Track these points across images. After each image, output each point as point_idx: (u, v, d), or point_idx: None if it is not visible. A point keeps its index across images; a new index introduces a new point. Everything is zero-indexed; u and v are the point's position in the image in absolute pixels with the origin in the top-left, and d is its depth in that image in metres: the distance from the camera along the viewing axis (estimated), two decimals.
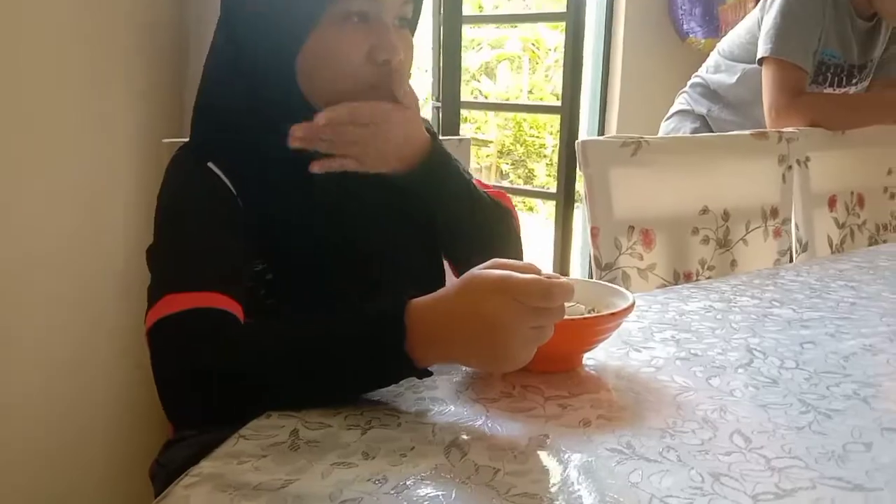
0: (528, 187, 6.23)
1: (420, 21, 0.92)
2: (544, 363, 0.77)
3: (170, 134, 1.38)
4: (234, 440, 0.63)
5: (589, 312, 0.81)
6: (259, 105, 0.84)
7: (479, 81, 7.71)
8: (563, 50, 2.64)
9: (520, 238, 1.01)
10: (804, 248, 1.64)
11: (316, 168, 0.82)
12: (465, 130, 7.64)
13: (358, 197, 0.89)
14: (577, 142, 1.33)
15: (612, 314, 0.75)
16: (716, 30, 2.61)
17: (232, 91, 0.86)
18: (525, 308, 0.63)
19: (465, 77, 7.45)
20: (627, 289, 1.35)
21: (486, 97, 7.48)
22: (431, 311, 0.67)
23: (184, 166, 0.86)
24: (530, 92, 7.33)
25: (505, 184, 7.46)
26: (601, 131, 2.93)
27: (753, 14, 1.86)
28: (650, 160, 1.37)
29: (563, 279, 0.66)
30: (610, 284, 0.84)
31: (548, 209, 5.72)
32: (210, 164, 0.83)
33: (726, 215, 1.47)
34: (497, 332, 0.64)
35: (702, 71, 2.00)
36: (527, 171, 7.45)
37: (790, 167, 1.53)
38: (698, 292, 1.10)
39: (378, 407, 0.69)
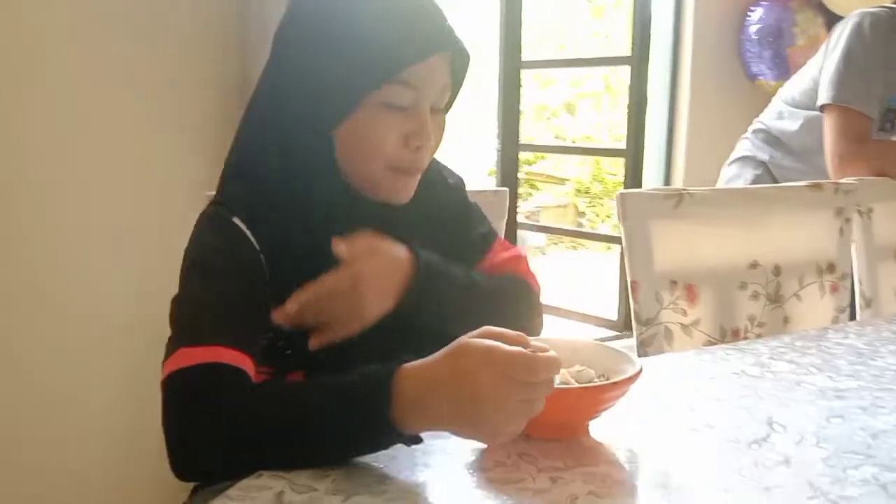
0: (588, 230, 6.19)
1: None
2: (545, 430, 0.76)
3: None
4: (221, 501, 0.64)
5: (599, 378, 0.79)
6: (290, 170, 0.86)
7: (559, 118, 7.72)
8: None
9: (534, 308, 1.00)
10: (868, 303, 1.56)
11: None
12: (544, 167, 7.64)
13: None
14: (617, 193, 1.31)
15: (614, 384, 0.73)
16: (785, 72, 2.53)
17: (265, 151, 0.88)
18: (511, 381, 0.63)
19: (545, 114, 7.49)
20: (670, 345, 1.32)
21: (563, 137, 7.47)
22: (418, 377, 0.67)
23: (212, 222, 0.88)
24: (611, 130, 7.28)
25: (584, 221, 7.41)
26: (667, 174, 2.87)
27: (816, 60, 1.80)
28: (694, 212, 1.33)
29: (551, 353, 0.65)
30: (620, 349, 0.82)
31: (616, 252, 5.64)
32: (236, 220, 0.85)
33: (777, 270, 1.41)
34: (482, 403, 0.63)
35: (763, 117, 1.94)
36: (605, 209, 7.37)
37: (848, 220, 1.46)
38: (735, 354, 1.06)
39: (368, 472, 0.69)
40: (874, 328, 1.20)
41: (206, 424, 0.71)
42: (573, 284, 5.10)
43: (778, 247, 1.41)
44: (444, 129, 0.91)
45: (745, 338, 1.37)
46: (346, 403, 0.68)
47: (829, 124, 1.69)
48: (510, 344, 0.65)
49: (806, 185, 1.45)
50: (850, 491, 0.66)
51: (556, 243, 7.04)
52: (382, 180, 0.87)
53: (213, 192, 1.16)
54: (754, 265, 1.39)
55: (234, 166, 0.91)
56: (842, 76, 1.65)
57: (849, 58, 1.65)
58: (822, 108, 1.71)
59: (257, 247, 0.84)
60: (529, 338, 0.71)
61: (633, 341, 1.32)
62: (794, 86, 1.88)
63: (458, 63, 0.89)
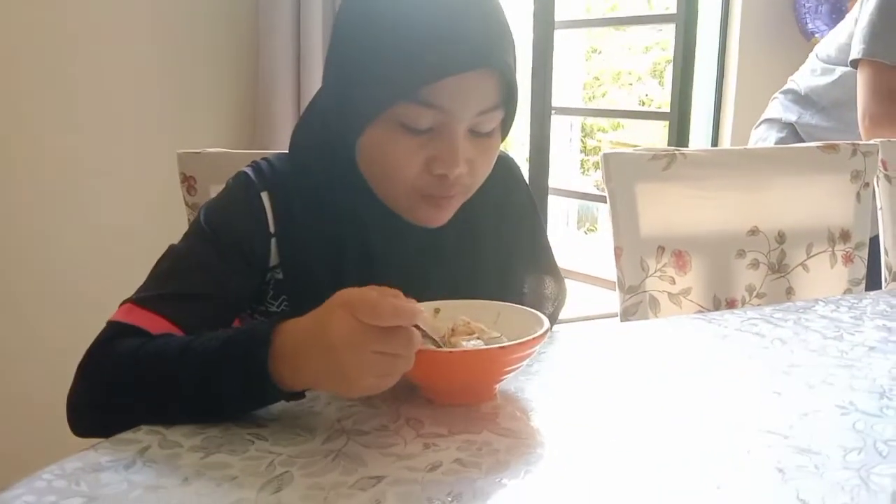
0: None
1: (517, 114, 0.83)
2: (444, 396, 0.73)
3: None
4: (86, 454, 0.64)
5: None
6: (325, 163, 0.84)
7: (643, 84, 7.44)
8: None
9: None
10: (895, 276, 1.44)
11: None
12: (623, 136, 7.40)
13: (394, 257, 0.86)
14: (601, 153, 1.24)
15: (502, 348, 0.69)
16: None
17: (312, 136, 0.86)
18: (362, 327, 0.60)
19: (629, 80, 7.21)
20: (656, 315, 1.26)
21: (647, 103, 7.19)
22: (294, 331, 0.65)
23: (239, 188, 0.85)
24: None
25: None
26: (714, 139, 2.73)
27: (853, 12, 1.66)
28: (686, 174, 1.26)
29: (415, 304, 0.61)
30: (537, 313, 0.77)
31: None
32: (264, 195, 0.84)
33: (781, 237, 1.31)
34: (335, 352, 0.61)
35: (796, 75, 1.81)
36: None
37: (867, 184, 1.35)
38: (700, 324, 0.99)
39: (240, 432, 0.67)
40: (872, 300, 1.10)
41: (87, 381, 0.72)
42: None
43: (782, 212, 1.31)
44: (491, 154, 0.82)
45: (743, 307, 1.29)
46: (225, 355, 0.66)
47: (861, 81, 1.56)
48: (384, 294, 0.62)
49: (818, 146, 1.34)
50: (742, 476, 0.61)
51: None
52: (409, 205, 0.82)
53: (185, 150, 1.18)
54: (754, 231, 1.30)
55: (291, 140, 0.89)
56: (875, 29, 1.52)
57: (883, 9, 1.52)
58: (855, 64, 1.57)
59: (272, 229, 0.83)
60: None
61: None
62: (831, 41, 1.74)
63: (510, 82, 0.78)
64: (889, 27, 1.51)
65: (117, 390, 0.70)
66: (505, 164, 0.93)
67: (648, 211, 1.23)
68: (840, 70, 1.68)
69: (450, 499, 0.56)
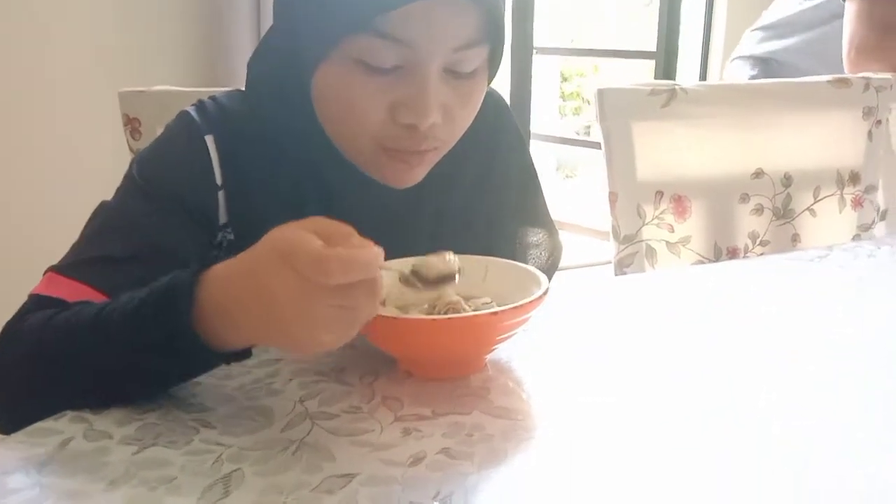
0: None
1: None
2: (427, 369, 0.62)
3: None
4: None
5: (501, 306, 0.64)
6: (280, 109, 0.71)
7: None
8: None
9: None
10: (882, 216, 1.34)
11: None
12: (601, 80, 7.24)
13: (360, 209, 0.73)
14: (595, 90, 1.12)
15: (495, 314, 0.58)
16: None
17: (266, 72, 0.73)
18: (309, 283, 0.48)
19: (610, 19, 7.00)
20: (653, 266, 1.16)
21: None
22: (226, 277, 0.53)
23: (180, 133, 0.72)
24: None
25: None
26: (702, 80, 2.62)
27: None
28: (687, 112, 1.14)
29: (365, 251, 0.49)
30: (534, 270, 0.67)
31: None
32: (208, 140, 0.71)
33: (787, 179, 1.21)
34: (280, 310, 0.49)
35: (771, 7, 1.69)
36: None
37: (879, 122, 1.25)
38: (700, 276, 0.89)
39: (182, 417, 0.56)
40: (891, 247, 1.01)
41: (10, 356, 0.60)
42: None
43: (789, 153, 1.21)
44: (474, 100, 0.68)
45: (746, 257, 1.20)
46: (142, 315, 0.54)
47: (852, 9, 1.43)
48: (331, 238, 0.50)
49: (828, 80, 1.24)
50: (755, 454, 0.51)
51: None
52: (373, 161, 0.69)
53: (128, 89, 1.05)
54: (758, 174, 1.20)
55: (248, 74, 0.75)
56: None
57: None
58: None
59: (218, 180, 0.71)
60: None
61: None
62: None
63: (494, 12, 0.65)
64: None
65: (25, 375, 0.58)
66: (493, 101, 0.81)
67: (646, 152, 1.12)
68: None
69: (437, 502, 0.46)
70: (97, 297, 0.63)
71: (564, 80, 6.96)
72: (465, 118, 0.69)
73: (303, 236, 0.49)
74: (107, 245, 0.67)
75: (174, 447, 0.52)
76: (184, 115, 0.73)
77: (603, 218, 1.18)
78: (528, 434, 0.54)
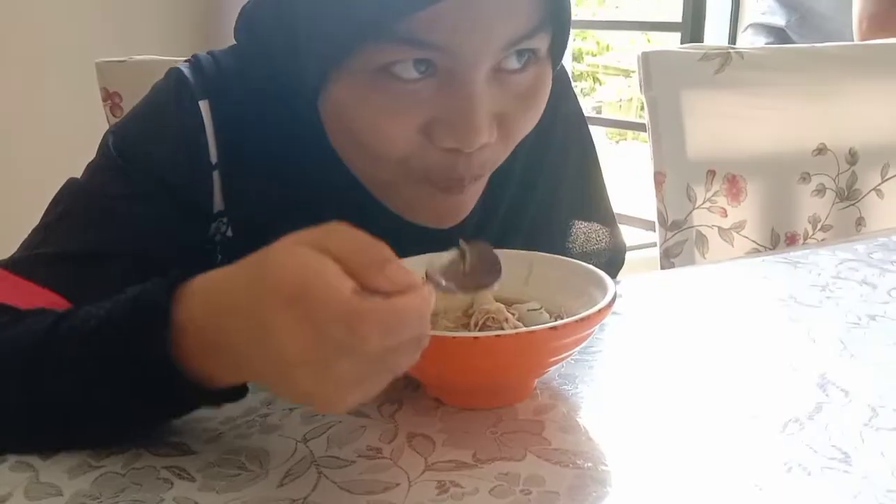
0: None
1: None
2: (463, 398, 0.49)
3: None
4: None
5: (555, 319, 0.52)
6: (282, 119, 0.57)
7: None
8: None
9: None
10: None
11: None
12: (608, 59, 7.02)
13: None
14: (639, 53, 0.99)
15: (553, 329, 0.45)
16: None
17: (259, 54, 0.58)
18: (330, 343, 0.35)
19: None
20: (704, 255, 1.03)
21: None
22: (214, 303, 0.40)
23: (167, 99, 0.58)
24: None
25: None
26: None
27: None
28: (742, 79, 1.01)
29: (413, 295, 0.36)
30: (595, 270, 0.54)
31: None
32: (203, 105, 0.57)
33: (853, 156, 1.08)
34: (292, 369, 0.36)
35: None
36: None
37: None
38: (783, 269, 0.76)
39: (167, 458, 0.44)
40: None
41: None
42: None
43: (856, 126, 1.07)
44: (535, 101, 0.53)
45: (805, 243, 1.07)
46: (104, 338, 0.42)
47: None
48: (358, 268, 0.36)
49: None
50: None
51: (617, 141, 6.56)
52: (403, 195, 0.56)
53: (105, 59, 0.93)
54: (821, 150, 1.06)
55: (240, 31, 0.60)
56: None
57: None
58: None
59: (213, 159, 0.57)
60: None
61: None
62: None
63: None
64: None
65: None
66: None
67: (697, 126, 0.99)
68: None
69: None
70: (58, 304, 0.50)
71: (574, 59, 6.79)
72: (527, 124, 0.54)
73: (320, 273, 0.35)
74: (73, 236, 0.55)
75: None
76: (174, 73, 0.59)
77: (622, 202, 1.04)
78: (601, 490, 0.41)
